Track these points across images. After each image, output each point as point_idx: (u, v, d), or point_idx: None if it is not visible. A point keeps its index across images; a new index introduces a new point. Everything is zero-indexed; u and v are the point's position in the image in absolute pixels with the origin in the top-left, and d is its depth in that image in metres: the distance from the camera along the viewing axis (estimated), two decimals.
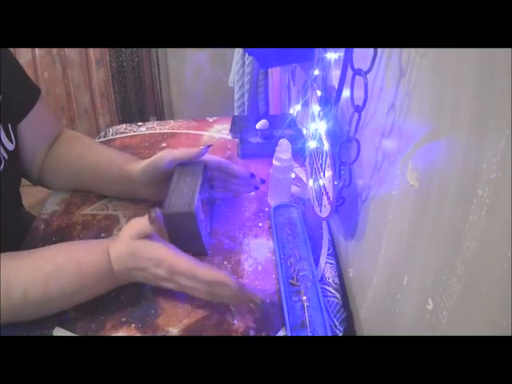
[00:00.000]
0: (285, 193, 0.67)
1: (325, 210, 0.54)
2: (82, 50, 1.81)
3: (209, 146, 0.59)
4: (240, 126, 0.87)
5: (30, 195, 0.90)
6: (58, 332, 0.49)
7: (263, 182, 0.66)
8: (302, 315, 0.50)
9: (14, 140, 0.59)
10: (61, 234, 0.63)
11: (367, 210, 0.49)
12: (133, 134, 0.92)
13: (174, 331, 0.50)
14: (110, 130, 0.93)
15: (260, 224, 0.65)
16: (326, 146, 0.51)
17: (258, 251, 0.60)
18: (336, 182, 0.49)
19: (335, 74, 0.58)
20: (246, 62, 1.30)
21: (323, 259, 0.60)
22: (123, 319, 0.51)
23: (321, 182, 0.56)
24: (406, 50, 0.37)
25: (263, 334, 0.49)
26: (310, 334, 0.48)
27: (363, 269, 0.52)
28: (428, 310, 0.33)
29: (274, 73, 1.24)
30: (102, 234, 0.63)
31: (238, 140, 0.84)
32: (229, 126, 0.91)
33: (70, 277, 0.48)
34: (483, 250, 0.26)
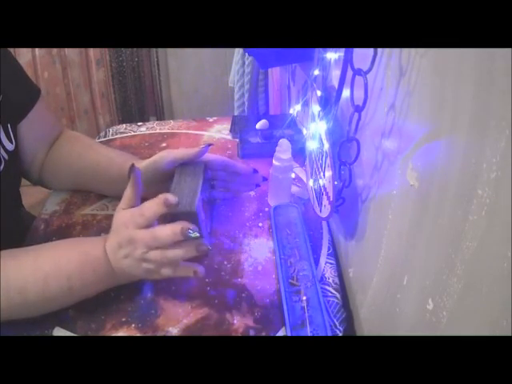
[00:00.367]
0: (285, 193, 0.67)
1: (325, 210, 0.54)
2: (82, 49, 1.81)
3: (209, 145, 0.58)
4: (240, 126, 0.87)
5: (29, 195, 0.90)
6: (58, 332, 0.49)
7: (265, 179, 0.66)
8: (302, 315, 0.50)
9: (13, 140, 0.59)
10: (61, 234, 0.63)
11: (367, 210, 0.49)
12: (133, 134, 0.92)
13: (173, 331, 0.50)
14: (110, 130, 0.93)
15: (260, 224, 0.65)
16: (326, 146, 0.51)
17: (258, 251, 0.60)
18: (336, 182, 0.49)
19: (335, 74, 0.58)
20: (246, 62, 1.30)
21: (323, 259, 0.60)
22: (123, 319, 0.51)
23: (321, 182, 0.55)
24: (405, 50, 0.37)
25: (263, 334, 0.49)
26: (310, 334, 0.48)
27: (363, 269, 0.52)
28: (428, 310, 0.33)
29: (274, 73, 1.24)
30: (102, 234, 0.63)
31: (238, 140, 0.84)
32: (229, 126, 0.91)
33: (69, 275, 0.48)
34: (483, 249, 0.26)
